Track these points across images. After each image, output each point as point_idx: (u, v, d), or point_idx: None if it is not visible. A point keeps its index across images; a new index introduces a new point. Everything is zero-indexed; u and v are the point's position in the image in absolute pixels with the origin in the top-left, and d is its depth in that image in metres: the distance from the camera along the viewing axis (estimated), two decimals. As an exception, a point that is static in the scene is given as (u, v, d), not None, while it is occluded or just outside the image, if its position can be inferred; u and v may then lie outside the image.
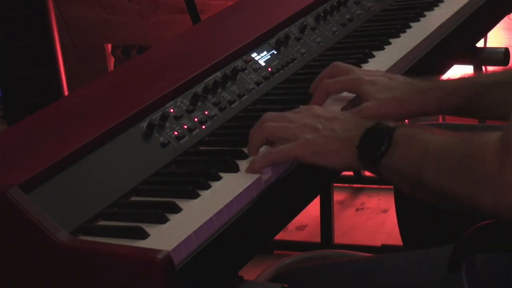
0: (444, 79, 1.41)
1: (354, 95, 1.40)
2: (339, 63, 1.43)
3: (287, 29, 1.60)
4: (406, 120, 1.53)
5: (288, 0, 1.75)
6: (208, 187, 1.18)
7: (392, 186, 1.67)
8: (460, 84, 1.38)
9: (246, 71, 1.47)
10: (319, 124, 1.23)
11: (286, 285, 1.17)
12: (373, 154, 1.17)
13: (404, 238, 1.62)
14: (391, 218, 2.76)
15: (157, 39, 3.30)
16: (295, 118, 1.25)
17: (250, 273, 1.26)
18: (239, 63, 1.47)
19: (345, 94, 1.42)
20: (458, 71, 2.33)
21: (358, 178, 3.03)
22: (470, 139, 1.10)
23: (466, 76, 1.50)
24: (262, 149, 1.26)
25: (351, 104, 1.40)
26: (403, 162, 1.15)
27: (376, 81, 1.38)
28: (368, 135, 1.18)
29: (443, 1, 1.83)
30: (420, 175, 1.12)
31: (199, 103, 1.36)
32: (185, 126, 1.31)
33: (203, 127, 1.33)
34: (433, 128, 1.20)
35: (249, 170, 1.21)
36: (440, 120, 2.81)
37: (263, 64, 1.50)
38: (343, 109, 1.39)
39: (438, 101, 1.37)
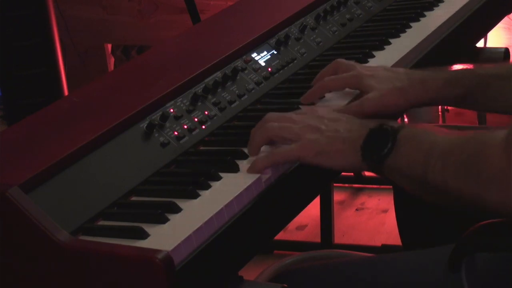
0: (445, 69, 1.41)
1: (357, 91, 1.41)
2: (341, 60, 1.43)
3: (287, 29, 1.60)
4: (406, 120, 1.53)
5: (288, 0, 1.75)
6: (208, 187, 1.18)
7: (392, 186, 1.68)
8: (460, 74, 1.38)
9: (246, 71, 1.47)
10: (323, 125, 1.23)
11: (286, 285, 1.17)
12: (377, 154, 1.16)
13: (403, 238, 1.62)
14: (391, 218, 2.76)
15: (157, 39, 3.31)
16: (298, 119, 1.25)
17: (250, 273, 1.26)
18: (239, 63, 1.47)
19: (347, 90, 1.42)
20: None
21: (358, 178, 3.03)
22: (475, 137, 1.09)
23: (467, 67, 1.50)
24: (262, 149, 1.26)
25: (356, 99, 1.40)
26: (408, 162, 1.14)
27: (376, 74, 1.38)
28: (372, 135, 1.18)
29: (443, 1, 1.83)
30: (425, 174, 1.11)
31: (199, 103, 1.36)
32: (185, 126, 1.31)
33: (203, 127, 1.33)
34: (438, 127, 1.20)
35: (251, 170, 1.20)
36: (440, 122, 2.80)
37: (263, 64, 1.50)
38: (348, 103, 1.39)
39: (438, 90, 1.36)
